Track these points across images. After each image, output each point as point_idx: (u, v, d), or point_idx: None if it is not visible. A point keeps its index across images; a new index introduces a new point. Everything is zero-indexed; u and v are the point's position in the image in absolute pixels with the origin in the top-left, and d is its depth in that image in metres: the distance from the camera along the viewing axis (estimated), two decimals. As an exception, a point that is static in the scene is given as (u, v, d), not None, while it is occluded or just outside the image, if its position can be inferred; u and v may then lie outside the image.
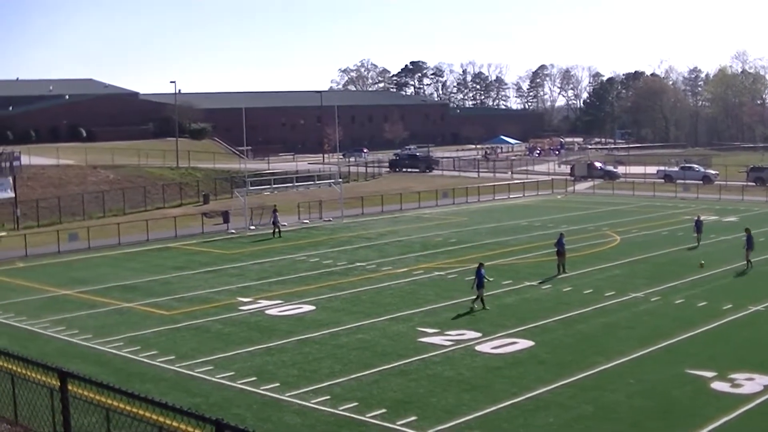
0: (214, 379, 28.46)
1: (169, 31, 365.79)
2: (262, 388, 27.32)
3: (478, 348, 31.89)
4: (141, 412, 11.93)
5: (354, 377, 28.40)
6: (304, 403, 25.79)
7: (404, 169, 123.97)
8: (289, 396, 26.44)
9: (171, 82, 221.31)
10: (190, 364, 30.24)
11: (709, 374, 28.12)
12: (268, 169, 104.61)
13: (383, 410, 24.94)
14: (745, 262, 47.59)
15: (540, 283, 44.16)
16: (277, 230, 63.49)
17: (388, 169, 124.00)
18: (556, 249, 47.03)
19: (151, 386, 27.14)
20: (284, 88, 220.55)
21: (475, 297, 38.42)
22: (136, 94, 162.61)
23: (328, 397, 26.26)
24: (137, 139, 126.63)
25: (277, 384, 27.65)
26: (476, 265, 39.49)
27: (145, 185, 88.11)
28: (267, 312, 38.59)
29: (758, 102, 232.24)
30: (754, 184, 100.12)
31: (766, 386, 26.90)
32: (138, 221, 67.45)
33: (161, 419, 11.77)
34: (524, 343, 32.42)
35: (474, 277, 38.78)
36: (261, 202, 75.22)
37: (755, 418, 24.46)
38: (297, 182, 77.07)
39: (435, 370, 29.13)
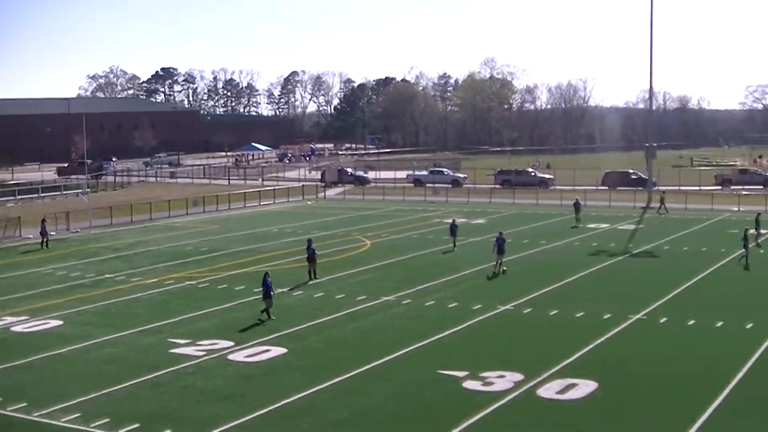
0: (-45, 402, 27.13)
1: None
2: (9, 408, 26.18)
3: (230, 357, 31.74)
4: None
5: (105, 392, 27.63)
6: (53, 422, 24.91)
7: (73, 175, 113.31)
8: (37, 416, 25.46)
9: None
10: (-72, 387, 28.73)
11: (461, 374, 28.97)
12: (12, 180, 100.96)
13: (136, 425, 24.43)
14: (495, 263, 48.61)
15: (291, 289, 44.30)
16: (45, 240, 61.13)
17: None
18: (306, 255, 47.33)
19: None
20: (30, 95, 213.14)
21: (264, 308, 37.95)
22: None
23: (78, 414, 25.45)
24: None
25: (25, 403, 26.55)
26: (262, 275, 38.88)
27: None
28: (12, 329, 37.00)
29: (506, 107, 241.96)
30: (501, 186, 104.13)
31: (516, 383, 27.96)
32: None
33: None
34: (277, 351, 32.49)
35: (261, 287, 38.34)
36: (4, 213, 72.40)
37: (507, 415, 25.35)
38: (42, 192, 74.84)
39: (188, 381, 28.81)
